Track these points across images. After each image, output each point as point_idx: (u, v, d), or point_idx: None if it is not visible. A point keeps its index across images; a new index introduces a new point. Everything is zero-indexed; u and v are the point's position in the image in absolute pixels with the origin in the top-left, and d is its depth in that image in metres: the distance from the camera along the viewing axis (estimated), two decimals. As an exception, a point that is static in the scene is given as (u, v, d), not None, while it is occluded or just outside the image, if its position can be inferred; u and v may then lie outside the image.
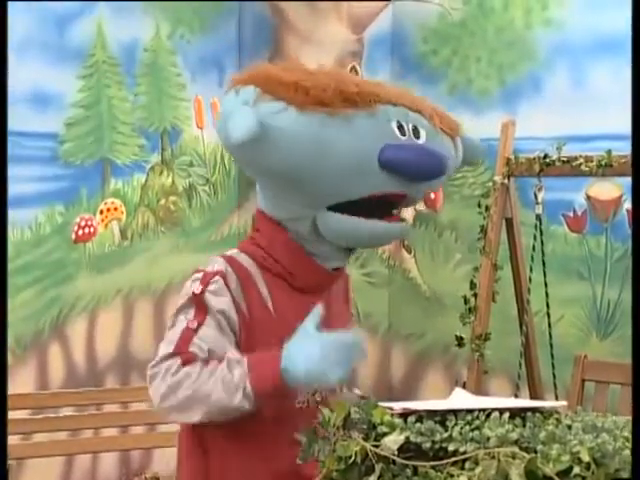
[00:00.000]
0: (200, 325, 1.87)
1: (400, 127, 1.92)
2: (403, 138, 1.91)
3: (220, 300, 1.89)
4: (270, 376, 1.75)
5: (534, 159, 3.29)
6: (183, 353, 1.83)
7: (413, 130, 1.94)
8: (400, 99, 1.97)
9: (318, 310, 1.80)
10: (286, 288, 1.97)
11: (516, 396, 3.28)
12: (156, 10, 4.00)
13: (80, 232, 3.80)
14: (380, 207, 1.95)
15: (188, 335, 1.86)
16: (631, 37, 1.56)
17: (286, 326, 1.82)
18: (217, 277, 1.91)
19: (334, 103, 1.84)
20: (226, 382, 1.77)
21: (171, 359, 1.83)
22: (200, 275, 1.93)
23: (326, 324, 1.83)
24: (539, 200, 3.20)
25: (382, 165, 1.88)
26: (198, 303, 1.89)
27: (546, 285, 3.23)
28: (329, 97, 1.84)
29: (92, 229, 3.84)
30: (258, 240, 2.00)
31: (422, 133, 1.95)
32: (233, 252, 1.99)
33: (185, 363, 1.82)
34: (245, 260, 1.96)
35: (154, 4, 3.99)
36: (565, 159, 3.23)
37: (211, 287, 1.90)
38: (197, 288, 1.90)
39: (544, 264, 3.22)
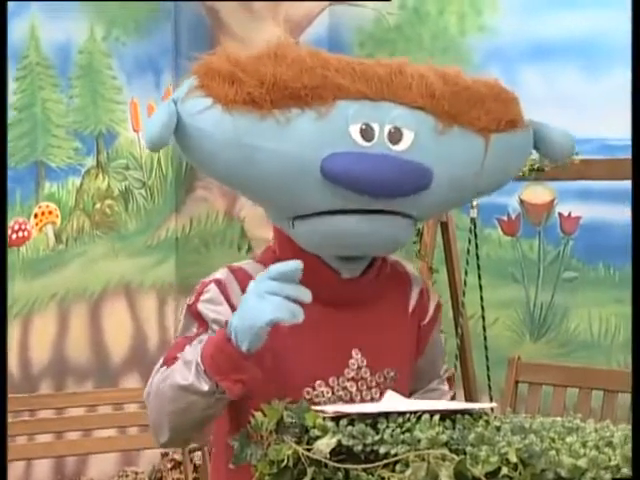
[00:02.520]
0: (198, 335, 1.65)
1: (366, 130, 1.59)
2: (366, 144, 1.59)
3: (215, 309, 1.68)
4: (214, 342, 1.55)
5: (468, 163, 3.31)
6: (170, 360, 1.63)
7: (392, 133, 1.60)
8: (392, 89, 1.62)
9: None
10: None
11: (451, 398, 3.31)
12: (90, 12, 3.97)
13: (14, 236, 3.75)
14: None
15: (182, 343, 1.65)
16: (631, 37, 1.54)
17: (300, 341, 1.63)
18: (211, 285, 1.70)
19: (268, 102, 1.56)
20: (184, 361, 1.59)
21: (160, 370, 1.64)
22: (197, 287, 1.73)
23: (373, 335, 1.70)
24: (473, 204, 3.22)
25: (325, 178, 1.58)
26: (194, 314, 1.69)
27: (481, 288, 3.26)
28: (263, 94, 1.56)
29: (26, 233, 3.80)
30: (273, 247, 1.77)
31: (407, 137, 1.61)
32: (244, 262, 1.77)
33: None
34: (256, 270, 1.68)
35: (88, 5, 3.95)
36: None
37: (204, 296, 1.69)
38: (190, 299, 1.71)
39: (479, 267, 3.24)
